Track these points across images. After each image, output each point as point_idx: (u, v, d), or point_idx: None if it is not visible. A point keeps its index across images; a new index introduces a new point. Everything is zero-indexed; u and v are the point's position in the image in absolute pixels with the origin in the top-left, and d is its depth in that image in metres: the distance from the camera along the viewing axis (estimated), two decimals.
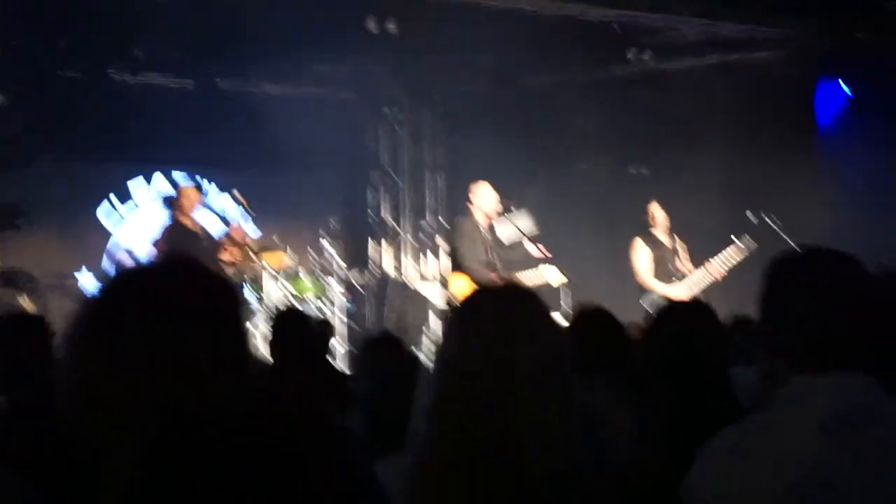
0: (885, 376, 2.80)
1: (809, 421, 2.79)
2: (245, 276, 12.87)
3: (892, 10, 13.18)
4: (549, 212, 13.84)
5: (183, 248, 11.66)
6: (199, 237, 12.43)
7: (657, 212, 12.84)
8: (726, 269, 12.52)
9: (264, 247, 13.51)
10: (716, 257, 12.59)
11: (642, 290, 12.54)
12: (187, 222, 12.54)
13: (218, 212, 15.73)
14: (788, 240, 12.04)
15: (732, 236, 12.53)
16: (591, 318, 5.22)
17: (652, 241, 12.78)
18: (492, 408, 2.63)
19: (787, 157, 13.76)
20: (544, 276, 11.85)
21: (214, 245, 12.66)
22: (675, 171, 14.15)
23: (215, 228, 13.68)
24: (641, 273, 12.70)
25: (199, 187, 12.64)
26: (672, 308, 4.53)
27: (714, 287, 12.58)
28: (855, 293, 2.90)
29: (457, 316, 2.81)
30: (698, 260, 12.85)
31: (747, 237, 12.45)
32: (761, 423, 2.88)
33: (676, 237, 12.91)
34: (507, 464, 2.58)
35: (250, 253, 12.93)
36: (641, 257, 12.73)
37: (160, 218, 13.50)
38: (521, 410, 2.63)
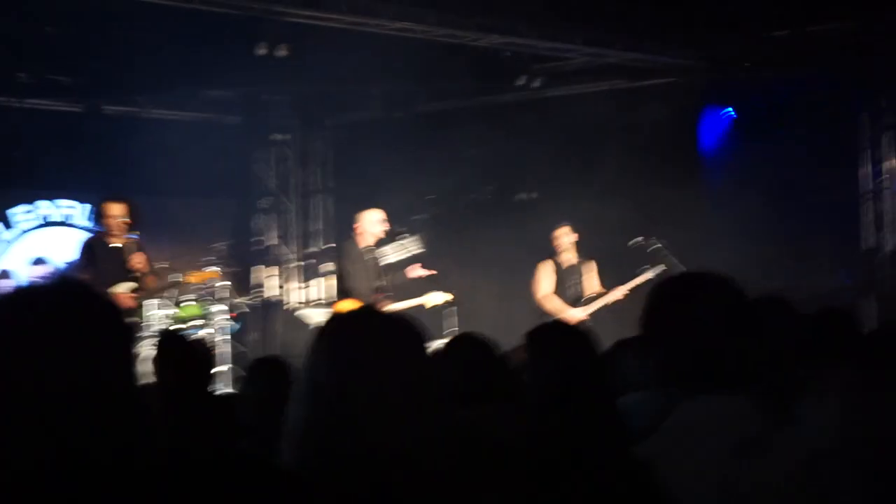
0: (769, 397, 2.81)
1: (708, 447, 2.78)
2: (149, 295, 12.67)
3: (778, 38, 13.39)
4: (438, 236, 13.83)
5: (104, 265, 11.52)
6: (122, 252, 12.16)
7: (563, 237, 12.91)
8: (628, 291, 12.62)
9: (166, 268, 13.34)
10: (623, 285, 12.72)
11: (542, 313, 12.51)
12: (109, 238, 12.29)
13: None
14: (679, 264, 12.18)
15: (637, 271, 12.68)
16: (465, 344, 5.16)
17: (555, 265, 12.88)
18: (356, 431, 2.60)
19: (676, 183, 13.90)
20: (430, 299, 12.00)
21: (132, 261, 12.43)
22: (566, 197, 14.22)
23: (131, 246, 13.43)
24: (539, 295, 12.78)
25: (124, 202, 12.30)
26: (541, 333, 4.51)
27: (618, 308, 12.66)
28: (736, 317, 2.91)
29: (321, 339, 2.77)
30: (607, 282, 12.97)
31: (650, 267, 12.54)
32: (658, 450, 2.88)
33: (584, 261, 12.99)
34: (374, 486, 2.54)
35: (160, 273, 12.74)
36: (541, 280, 12.82)
37: (76, 235, 13.25)
38: (383, 434, 2.59)
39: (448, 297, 12.10)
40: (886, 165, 13.85)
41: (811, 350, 4.19)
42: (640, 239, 12.85)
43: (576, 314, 12.57)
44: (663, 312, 3.01)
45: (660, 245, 12.72)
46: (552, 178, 14.82)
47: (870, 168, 13.95)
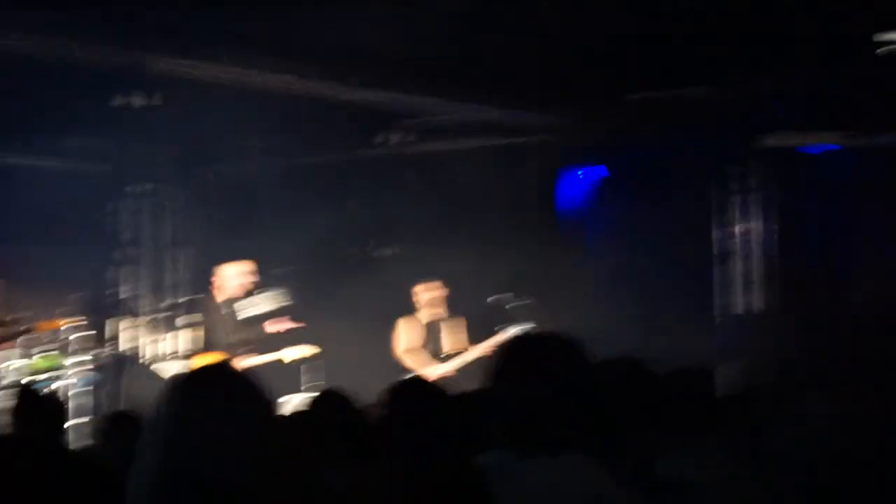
0: (605, 455, 2.80)
1: None
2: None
3: (640, 101, 13.56)
4: (307, 289, 13.75)
5: None
6: None
7: (423, 293, 12.96)
8: (492, 348, 12.50)
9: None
10: (486, 341, 12.68)
11: (402, 369, 12.45)
12: None
13: None
14: (536, 322, 12.26)
15: (496, 328, 12.67)
16: (327, 402, 5.10)
17: (414, 322, 12.89)
18: (202, 486, 2.54)
19: (543, 241, 14.02)
20: (289, 353, 12.00)
21: None
22: (432, 253, 14.21)
23: None
24: (398, 351, 12.78)
25: None
26: (396, 390, 4.45)
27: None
28: (570, 379, 2.91)
29: (170, 394, 2.72)
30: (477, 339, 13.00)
31: (513, 325, 12.48)
32: None
33: (452, 317, 13.04)
34: None
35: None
36: (400, 336, 12.85)
37: None
38: (228, 491, 2.54)
39: (309, 350, 12.07)
40: (736, 229, 14.00)
41: (664, 412, 4.17)
42: (498, 297, 12.97)
43: (436, 370, 12.49)
44: (501, 372, 3.02)
45: (519, 303, 12.82)
46: (422, 233, 14.83)
47: (720, 232, 14.08)
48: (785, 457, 3.77)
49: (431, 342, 12.91)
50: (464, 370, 12.60)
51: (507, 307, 12.89)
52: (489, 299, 13.03)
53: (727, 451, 3.95)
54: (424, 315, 12.97)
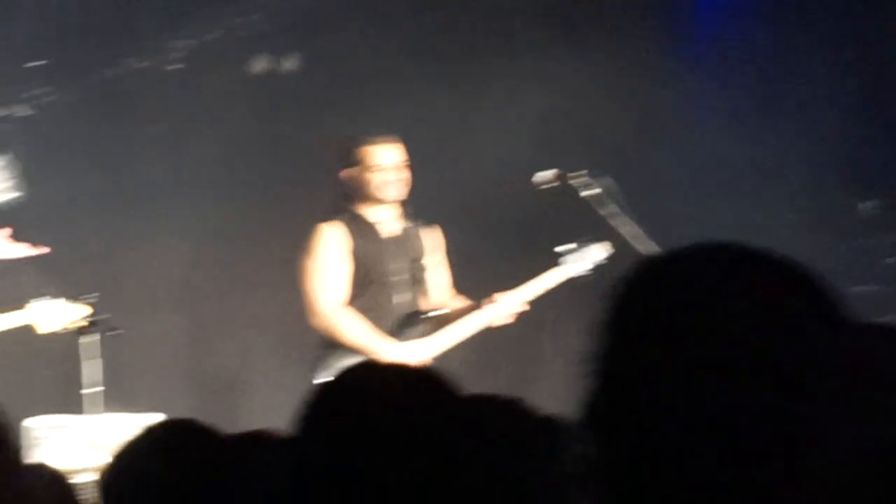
0: None
1: None
2: None
3: None
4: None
5: None
6: None
7: (370, 160, 6.87)
8: (527, 302, 7.00)
9: None
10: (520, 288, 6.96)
11: (327, 348, 6.76)
12: None
13: None
14: (643, 238, 6.96)
15: (561, 255, 7.00)
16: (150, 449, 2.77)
17: (351, 231, 6.91)
18: None
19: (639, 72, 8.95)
20: (39, 316, 6.50)
21: None
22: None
23: None
24: (320, 306, 6.77)
25: None
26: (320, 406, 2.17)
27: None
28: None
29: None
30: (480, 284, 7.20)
31: (583, 246, 7.02)
32: None
33: (420, 225, 7.14)
34: None
35: None
36: (321, 269, 6.81)
37: None
38: None
39: (79, 311, 6.55)
40: None
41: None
42: (551, 173, 7.14)
43: (409, 351, 6.71)
44: (656, 341, 1.49)
45: (600, 189, 7.09)
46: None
47: None
48: None
49: (397, 286, 6.91)
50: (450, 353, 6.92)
51: (582, 193, 7.13)
52: (535, 177, 7.15)
53: None
54: (368, 218, 6.91)
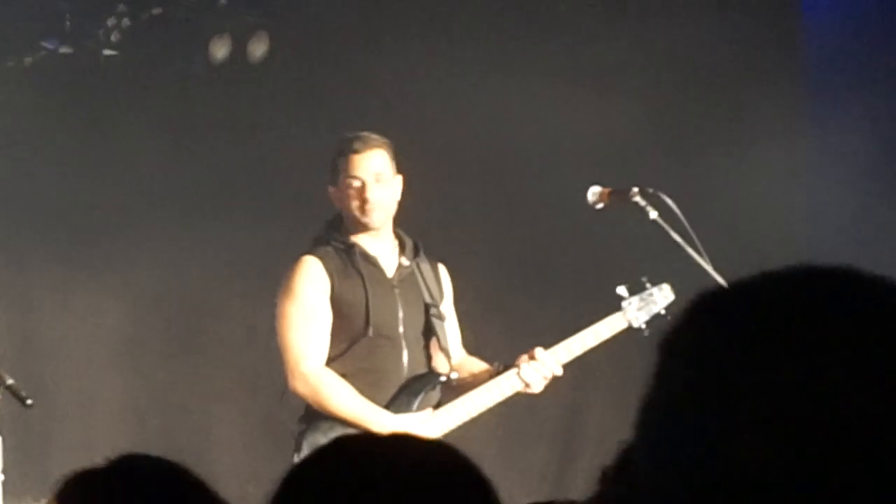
0: None
1: None
2: None
3: None
4: None
5: None
6: None
7: (358, 171, 5.50)
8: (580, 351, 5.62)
9: None
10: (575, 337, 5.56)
11: (309, 418, 5.36)
12: None
13: None
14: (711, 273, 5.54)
15: (624, 299, 5.65)
16: None
17: (333, 267, 5.41)
18: None
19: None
20: None
21: None
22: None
23: None
24: (300, 366, 5.30)
25: None
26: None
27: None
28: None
29: None
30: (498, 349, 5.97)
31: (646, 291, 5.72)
32: None
33: (429, 261, 5.67)
34: None
35: None
36: (300, 318, 5.31)
37: None
38: None
39: None
40: None
41: None
42: (611, 190, 5.70)
43: (416, 424, 5.31)
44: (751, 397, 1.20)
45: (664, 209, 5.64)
46: None
47: None
48: None
49: (399, 335, 5.49)
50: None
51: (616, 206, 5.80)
52: (590, 194, 5.73)
53: None
54: (371, 247, 5.47)
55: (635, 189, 5.58)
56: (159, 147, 7.04)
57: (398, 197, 5.44)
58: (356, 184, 5.31)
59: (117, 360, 6.99)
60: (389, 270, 5.42)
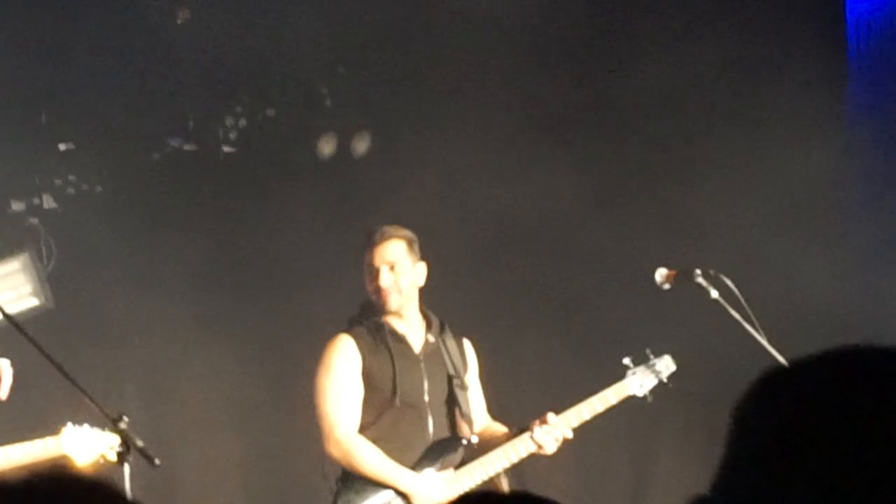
0: None
1: None
2: None
3: None
4: None
5: None
6: None
7: (387, 251, 6.05)
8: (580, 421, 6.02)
9: None
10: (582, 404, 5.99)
11: (341, 483, 5.89)
12: None
13: None
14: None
15: (628, 372, 6.11)
16: None
17: (365, 345, 5.95)
18: None
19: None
20: None
21: None
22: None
23: None
24: (334, 432, 5.82)
25: None
26: None
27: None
28: None
29: None
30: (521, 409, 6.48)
31: (650, 365, 6.19)
32: None
33: (454, 337, 6.18)
34: None
35: None
36: (334, 391, 5.85)
37: None
38: None
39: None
40: None
41: None
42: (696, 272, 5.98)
43: (440, 484, 5.83)
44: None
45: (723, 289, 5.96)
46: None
47: None
48: None
49: (426, 404, 5.95)
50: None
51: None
52: (658, 275, 6.08)
53: None
54: (399, 326, 5.97)
55: (698, 270, 5.97)
56: (274, 232, 7.66)
57: (420, 282, 5.92)
58: (372, 272, 5.83)
59: (230, 421, 7.54)
60: (416, 346, 5.93)
